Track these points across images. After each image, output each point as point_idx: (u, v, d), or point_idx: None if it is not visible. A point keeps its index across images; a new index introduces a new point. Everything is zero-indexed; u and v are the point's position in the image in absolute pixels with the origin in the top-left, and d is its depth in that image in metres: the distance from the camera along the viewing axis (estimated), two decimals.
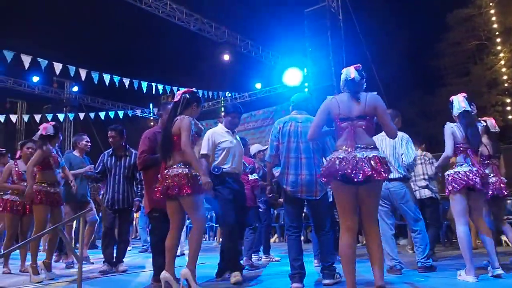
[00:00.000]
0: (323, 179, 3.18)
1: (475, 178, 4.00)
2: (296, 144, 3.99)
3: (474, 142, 4.15)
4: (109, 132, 5.56)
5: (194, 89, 3.99)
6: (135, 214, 9.43)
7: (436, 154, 6.30)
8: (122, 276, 4.99)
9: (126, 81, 15.61)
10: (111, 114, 18.19)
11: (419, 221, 4.62)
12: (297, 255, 3.88)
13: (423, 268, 4.51)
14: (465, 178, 4.04)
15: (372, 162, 2.97)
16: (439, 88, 20.86)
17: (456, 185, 4.07)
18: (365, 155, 3.00)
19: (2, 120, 17.49)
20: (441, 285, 3.93)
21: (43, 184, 4.89)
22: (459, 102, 4.24)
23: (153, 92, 16.78)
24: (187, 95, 3.87)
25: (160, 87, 16.72)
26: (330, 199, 4.28)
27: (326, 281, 3.92)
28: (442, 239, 8.12)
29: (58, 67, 13.97)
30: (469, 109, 4.23)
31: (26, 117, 18.95)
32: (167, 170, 3.67)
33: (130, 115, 20.48)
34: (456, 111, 4.25)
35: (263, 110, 17.13)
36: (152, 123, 24.67)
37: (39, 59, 13.49)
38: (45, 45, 20.66)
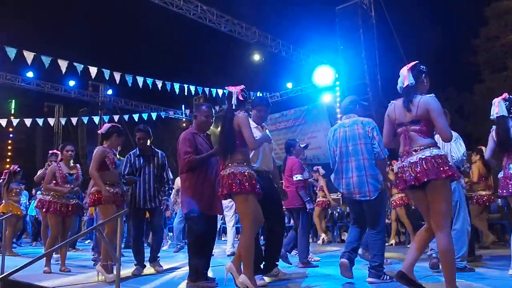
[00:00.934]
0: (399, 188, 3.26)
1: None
2: (345, 148, 4.13)
3: (503, 147, 4.26)
4: (137, 133, 5.52)
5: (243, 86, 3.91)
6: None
7: (470, 153, 6.15)
8: (158, 275, 5.01)
9: (159, 83, 15.84)
10: (145, 116, 18.50)
11: (457, 221, 4.55)
12: (353, 239, 4.14)
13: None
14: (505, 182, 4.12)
15: (424, 163, 2.97)
16: (476, 84, 20.28)
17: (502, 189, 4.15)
18: (418, 157, 3.01)
19: (41, 124, 18.03)
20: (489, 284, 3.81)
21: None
22: (494, 107, 4.25)
23: (185, 94, 16.97)
24: (243, 92, 3.81)
25: (192, 88, 16.88)
26: None
27: (371, 279, 3.95)
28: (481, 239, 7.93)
29: (93, 71, 14.32)
30: (504, 113, 4.18)
31: (63, 121, 19.53)
32: (224, 170, 3.61)
33: (163, 116, 20.78)
34: (491, 117, 4.29)
35: (295, 110, 17.01)
36: (184, 124, 24.97)
37: (75, 64, 13.86)
38: (81, 50, 21.28)
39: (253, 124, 4.43)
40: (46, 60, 13.24)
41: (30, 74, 17.36)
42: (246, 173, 3.51)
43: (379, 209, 4.08)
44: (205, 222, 3.93)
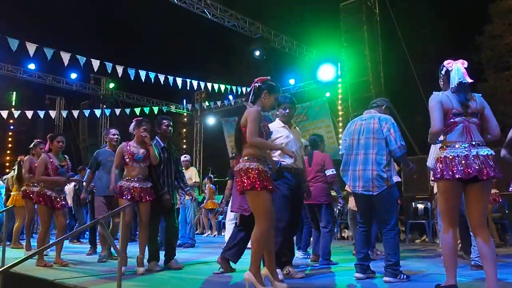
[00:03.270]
0: (436, 177, 3.19)
1: None
2: (357, 141, 4.12)
3: None
4: (165, 121, 5.24)
5: (268, 78, 3.75)
6: None
7: None
8: (164, 272, 4.85)
9: (161, 77, 15.79)
10: (146, 110, 18.47)
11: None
12: (360, 248, 4.13)
13: (475, 266, 4.55)
14: None
15: (489, 160, 3.02)
16: (479, 83, 20.20)
17: None
18: (480, 153, 3.04)
19: (42, 116, 18.01)
20: None
21: (125, 179, 4.96)
22: None
23: (188, 88, 16.92)
24: (257, 83, 3.68)
25: (195, 83, 16.84)
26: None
27: (387, 279, 3.90)
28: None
29: (95, 64, 14.27)
30: None
31: (64, 113, 19.49)
32: (237, 165, 3.54)
33: (164, 111, 20.75)
34: None
35: (297, 106, 16.95)
36: (185, 119, 24.92)
37: (78, 56, 13.80)
38: (84, 42, 21.23)
39: (280, 124, 4.42)
40: (49, 52, 13.16)
41: (32, 66, 17.28)
42: (257, 169, 3.39)
43: (388, 205, 4.02)
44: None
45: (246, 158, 3.46)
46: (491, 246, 3.02)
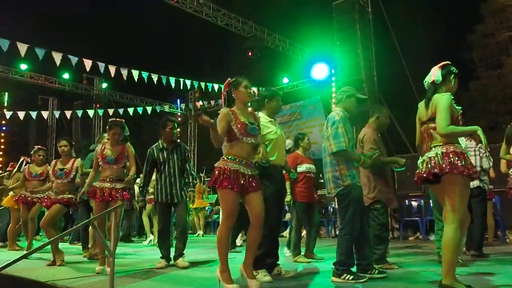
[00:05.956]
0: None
1: None
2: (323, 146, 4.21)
3: None
4: (169, 123, 5.40)
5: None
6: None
7: None
8: (161, 271, 4.83)
9: (154, 77, 15.74)
10: (140, 109, 18.40)
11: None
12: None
13: None
14: None
15: (437, 158, 3.10)
16: (471, 81, 20.33)
17: None
18: (435, 153, 3.14)
19: (34, 117, 17.89)
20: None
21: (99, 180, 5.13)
22: None
23: (181, 88, 16.89)
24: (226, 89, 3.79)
25: (188, 82, 16.80)
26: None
27: (332, 278, 3.88)
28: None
29: (88, 64, 14.19)
30: None
31: (57, 114, 19.38)
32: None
33: (158, 110, 20.68)
34: None
35: (290, 105, 16.92)
36: (179, 119, 24.84)
37: (70, 56, 13.72)
38: (76, 42, 21.12)
39: (267, 118, 4.35)
40: (40, 52, 13.09)
41: (23, 66, 17.17)
42: (222, 168, 3.49)
43: (343, 205, 3.96)
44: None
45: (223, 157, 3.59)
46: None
